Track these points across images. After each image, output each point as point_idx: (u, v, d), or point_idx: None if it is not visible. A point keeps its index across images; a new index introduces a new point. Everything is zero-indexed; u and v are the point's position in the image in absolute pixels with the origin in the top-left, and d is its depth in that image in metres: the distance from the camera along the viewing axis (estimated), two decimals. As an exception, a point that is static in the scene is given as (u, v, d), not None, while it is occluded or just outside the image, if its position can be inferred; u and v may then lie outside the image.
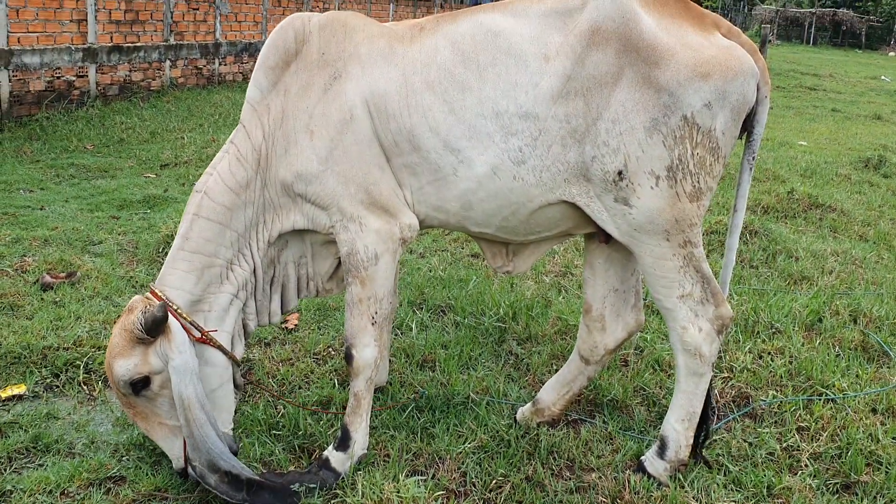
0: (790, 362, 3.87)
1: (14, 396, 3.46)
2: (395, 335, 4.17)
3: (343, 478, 2.91)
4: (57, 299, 4.39)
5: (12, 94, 8.81)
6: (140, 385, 2.71)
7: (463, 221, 2.89)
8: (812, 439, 3.30)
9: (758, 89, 2.74)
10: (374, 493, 2.75)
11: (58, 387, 3.58)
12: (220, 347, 2.85)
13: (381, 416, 3.36)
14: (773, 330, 4.26)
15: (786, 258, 5.63)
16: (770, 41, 35.48)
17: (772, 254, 5.72)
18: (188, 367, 2.69)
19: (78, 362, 3.71)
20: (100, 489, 2.86)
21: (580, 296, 4.80)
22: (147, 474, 2.93)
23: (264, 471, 2.97)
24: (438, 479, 2.94)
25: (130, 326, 2.68)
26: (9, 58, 8.68)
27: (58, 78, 9.45)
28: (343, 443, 2.96)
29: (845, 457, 3.16)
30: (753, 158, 2.90)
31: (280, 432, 3.23)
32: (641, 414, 3.48)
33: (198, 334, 2.79)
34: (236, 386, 3.01)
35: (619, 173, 2.66)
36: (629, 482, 2.90)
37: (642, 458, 3.05)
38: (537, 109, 2.66)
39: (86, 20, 9.76)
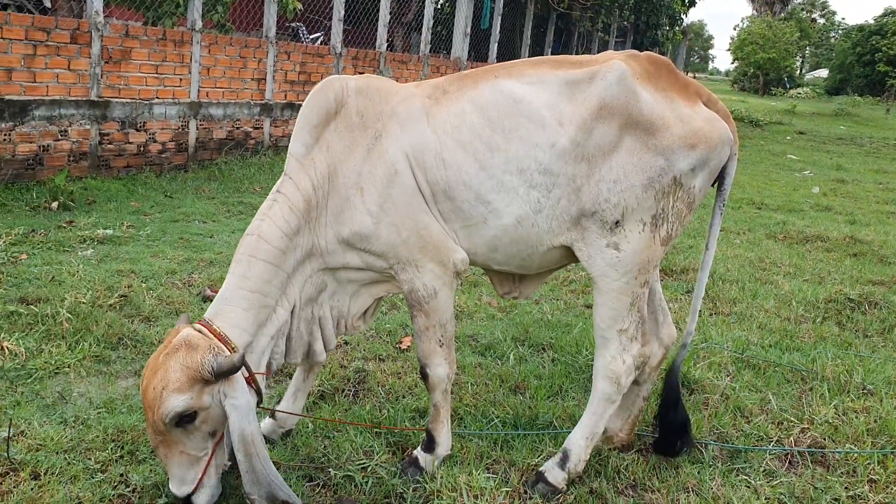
0: (874, 421, 3.95)
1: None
2: (494, 363, 4.59)
3: (427, 473, 3.33)
4: (213, 309, 5.14)
5: (198, 141, 10.10)
6: (186, 420, 2.78)
7: (488, 261, 3.28)
8: (881, 491, 3.39)
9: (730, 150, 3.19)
10: (448, 481, 3.17)
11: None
12: (258, 390, 3.01)
13: (471, 427, 3.77)
14: (865, 391, 4.33)
15: (903, 330, 5.58)
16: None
17: (889, 326, 5.68)
18: (250, 405, 2.83)
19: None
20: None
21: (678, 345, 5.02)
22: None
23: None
24: (509, 481, 3.31)
25: (196, 366, 2.74)
26: (198, 109, 9.99)
27: (237, 128, 10.71)
28: (429, 445, 3.38)
29: (909, 509, 3.25)
30: (724, 204, 3.33)
31: (380, 430, 3.71)
32: (713, 451, 3.69)
33: (246, 374, 2.93)
34: None
35: (616, 223, 3.07)
36: (679, 501, 3.15)
37: (541, 468, 3.32)
38: (553, 166, 3.06)
39: (265, 79, 11.02)
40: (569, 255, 3.28)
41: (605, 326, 3.22)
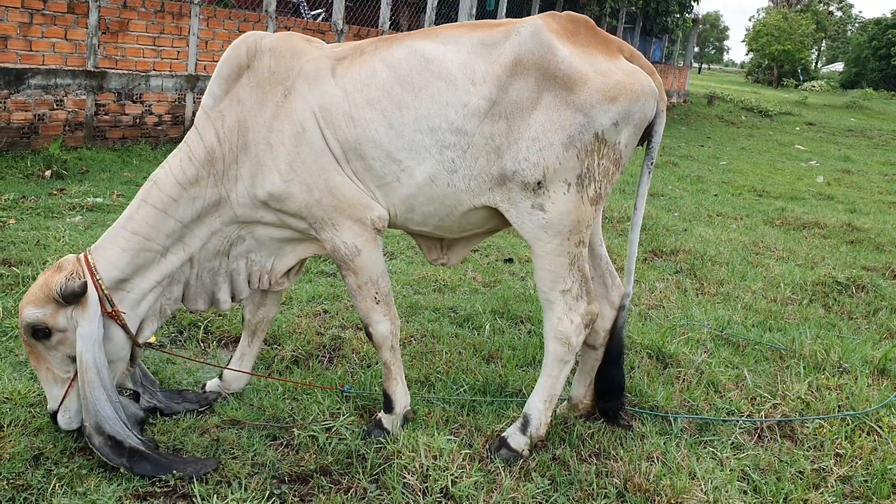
0: (846, 397, 3.93)
1: (146, 344, 4.16)
2: (471, 334, 4.58)
3: (391, 434, 3.33)
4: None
5: (195, 114, 10.08)
6: (40, 334, 2.98)
7: (406, 222, 3.26)
8: (845, 464, 3.38)
9: (656, 105, 3.14)
10: (409, 442, 3.17)
11: (180, 341, 4.27)
12: (124, 327, 3.10)
13: (440, 392, 3.77)
14: (841, 369, 4.30)
15: (889, 313, 5.54)
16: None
17: (875, 309, 5.65)
18: (93, 336, 2.95)
19: (199, 324, 4.39)
20: (192, 412, 3.46)
21: (659, 322, 5.01)
22: (231, 406, 3.50)
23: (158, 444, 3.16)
24: (472, 445, 3.31)
25: (52, 285, 2.95)
26: (195, 82, 9.99)
27: (236, 103, 10.69)
28: (388, 405, 3.38)
29: (872, 482, 3.23)
30: (652, 163, 3.31)
31: (349, 394, 3.72)
32: (681, 423, 3.67)
33: (109, 309, 3.05)
34: (132, 363, 3.31)
35: (539, 183, 3.03)
36: (640, 469, 3.14)
37: (504, 434, 3.32)
38: (466, 126, 3.02)
39: (265, 55, 10.98)
40: (494, 218, 3.24)
41: (547, 289, 3.20)
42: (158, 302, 3.24)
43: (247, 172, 3.13)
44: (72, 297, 2.95)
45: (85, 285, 2.96)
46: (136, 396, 3.39)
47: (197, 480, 2.93)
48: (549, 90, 2.99)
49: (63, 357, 3.04)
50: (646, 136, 3.24)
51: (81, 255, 3.08)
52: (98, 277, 3.03)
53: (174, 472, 2.95)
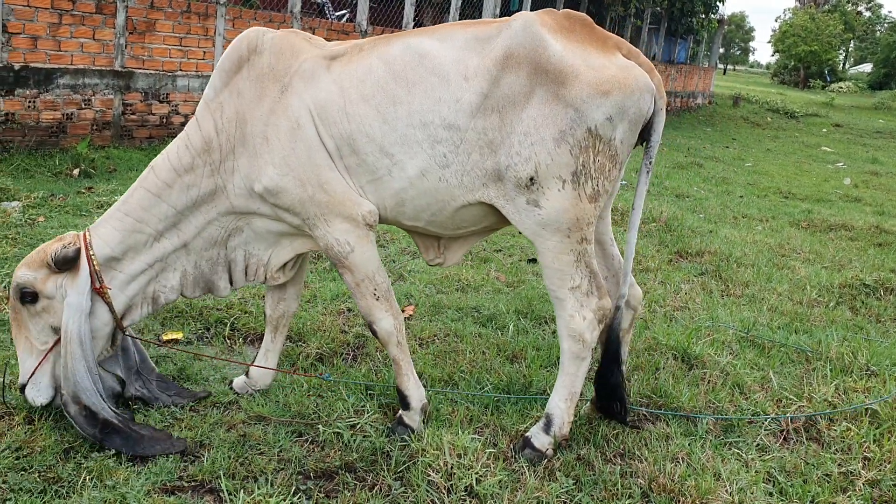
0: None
1: (172, 340, 4.21)
2: (494, 334, 4.59)
3: (414, 430, 3.34)
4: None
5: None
6: (27, 298, 3.11)
7: (398, 217, 3.27)
8: (874, 468, 3.34)
9: (654, 102, 3.10)
10: (433, 441, 3.18)
11: (207, 337, 4.31)
12: (110, 305, 3.21)
13: (464, 392, 3.77)
14: (869, 372, 4.26)
15: (918, 317, 5.48)
16: None
17: (904, 312, 5.58)
18: (80, 306, 3.08)
19: (226, 320, 4.44)
20: (219, 408, 3.50)
21: (684, 323, 4.98)
22: (257, 403, 3.53)
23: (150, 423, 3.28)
24: (497, 444, 3.31)
25: (49, 251, 3.11)
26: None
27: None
28: (404, 402, 3.39)
29: (902, 486, 3.19)
30: (651, 163, 3.27)
31: (373, 391, 3.74)
32: (706, 425, 3.65)
33: (97, 285, 3.17)
34: (113, 344, 3.35)
35: (531, 179, 3.01)
36: (665, 469, 3.13)
37: (527, 434, 3.32)
38: (458, 121, 3.03)
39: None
40: (490, 216, 3.25)
41: (555, 287, 3.19)
42: (151, 287, 3.34)
43: (244, 164, 3.21)
44: (63, 263, 3.08)
45: (77, 251, 3.10)
46: (121, 383, 3.40)
47: (164, 457, 3.04)
48: (540, 84, 2.99)
49: (44, 326, 3.15)
50: (645, 136, 3.21)
51: (81, 232, 3.22)
52: (91, 252, 3.15)
53: (141, 449, 3.04)
